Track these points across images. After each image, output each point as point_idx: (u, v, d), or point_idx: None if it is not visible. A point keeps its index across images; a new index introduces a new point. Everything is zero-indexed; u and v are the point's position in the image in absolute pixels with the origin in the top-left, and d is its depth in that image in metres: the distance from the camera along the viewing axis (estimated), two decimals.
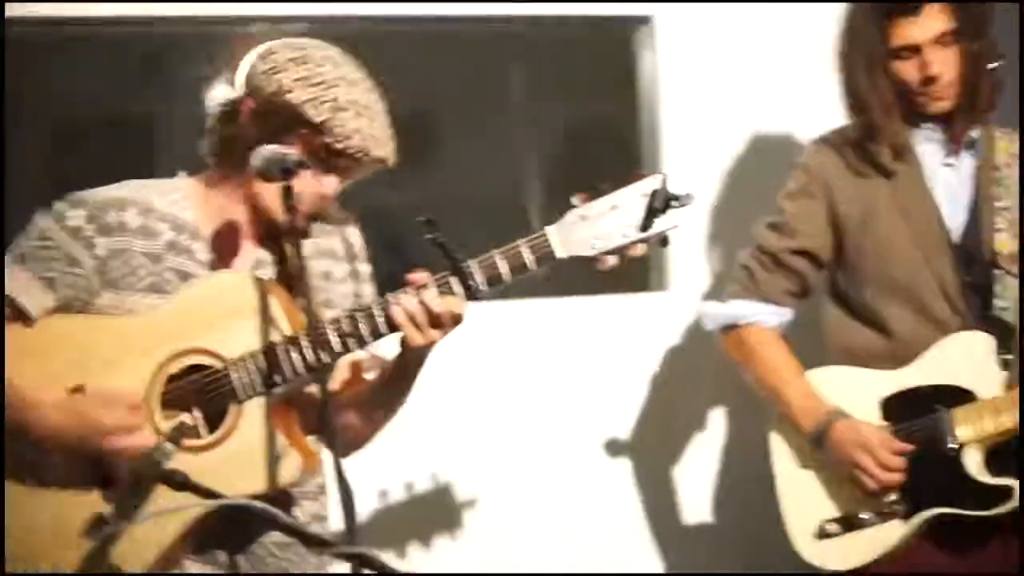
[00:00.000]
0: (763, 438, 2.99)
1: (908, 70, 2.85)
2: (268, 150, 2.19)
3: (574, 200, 2.17)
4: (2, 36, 2.97)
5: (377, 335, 2.24)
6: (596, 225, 2.15)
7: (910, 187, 2.90)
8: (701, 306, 3.10)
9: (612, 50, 3.70)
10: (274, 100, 2.25)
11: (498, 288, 2.21)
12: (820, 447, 2.86)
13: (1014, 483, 2.74)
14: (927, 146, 2.92)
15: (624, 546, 3.59)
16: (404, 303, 2.20)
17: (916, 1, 2.82)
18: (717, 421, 3.67)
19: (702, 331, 3.13)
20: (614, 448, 3.60)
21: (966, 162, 2.92)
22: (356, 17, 3.43)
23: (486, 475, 3.47)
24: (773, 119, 3.67)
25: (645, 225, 2.12)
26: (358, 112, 2.25)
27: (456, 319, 2.21)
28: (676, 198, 2.11)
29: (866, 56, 2.87)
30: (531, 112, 3.61)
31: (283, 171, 2.17)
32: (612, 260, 2.16)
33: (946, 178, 2.91)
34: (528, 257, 2.17)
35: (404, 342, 2.25)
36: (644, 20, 3.65)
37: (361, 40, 3.27)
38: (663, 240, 2.14)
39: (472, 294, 2.20)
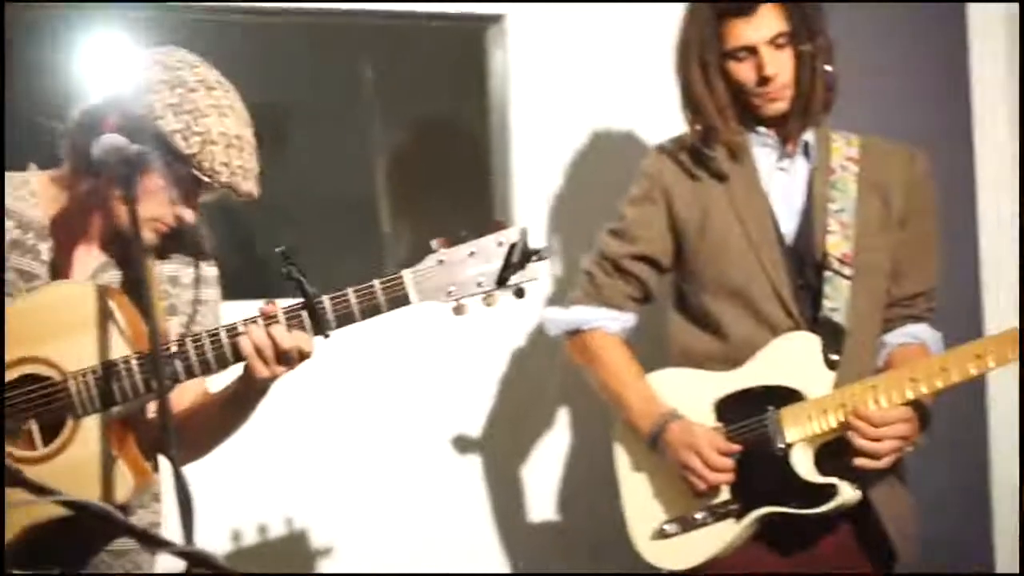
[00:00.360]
0: (608, 440, 3.02)
1: (744, 71, 2.89)
2: (108, 140, 2.13)
3: (433, 244, 2.17)
4: (2, 35, 2.86)
5: (223, 364, 2.21)
6: (453, 272, 2.15)
7: (745, 191, 2.95)
8: (544, 312, 3.12)
9: (464, 47, 3.68)
10: (142, 122, 2.19)
11: (348, 326, 2.20)
12: (656, 448, 2.90)
13: (840, 482, 2.80)
14: (761, 150, 2.97)
15: (472, 546, 3.60)
16: (253, 335, 2.18)
17: (751, 2, 2.85)
18: (564, 422, 3.70)
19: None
20: (462, 448, 3.61)
21: (800, 165, 2.97)
22: (201, 6, 3.36)
23: (335, 477, 3.46)
24: (622, 120, 3.69)
25: (502, 278, 2.13)
26: (228, 144, 2.21)
27: (303, 355, 2.20)
28: (535, 252, 2.12)
29: (701, 58, 2.90)
30: (382, 108, 3.57)
31: (124, 163, 2.12)
32: (466, 308, 2.16)
33: (780, 181, 2.96)
34: (381, 299, 2.17)
35: (248, 372, 2.23)
36: (496, 19, 3.64)
37: (210, 30, 3.25)
38: (518, 292, 2.15)
39: (322, 331, 2.19)
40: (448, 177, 3.64)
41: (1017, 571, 3.16)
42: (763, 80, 2.88)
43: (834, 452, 2.85)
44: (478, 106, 3.68)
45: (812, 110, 2.93)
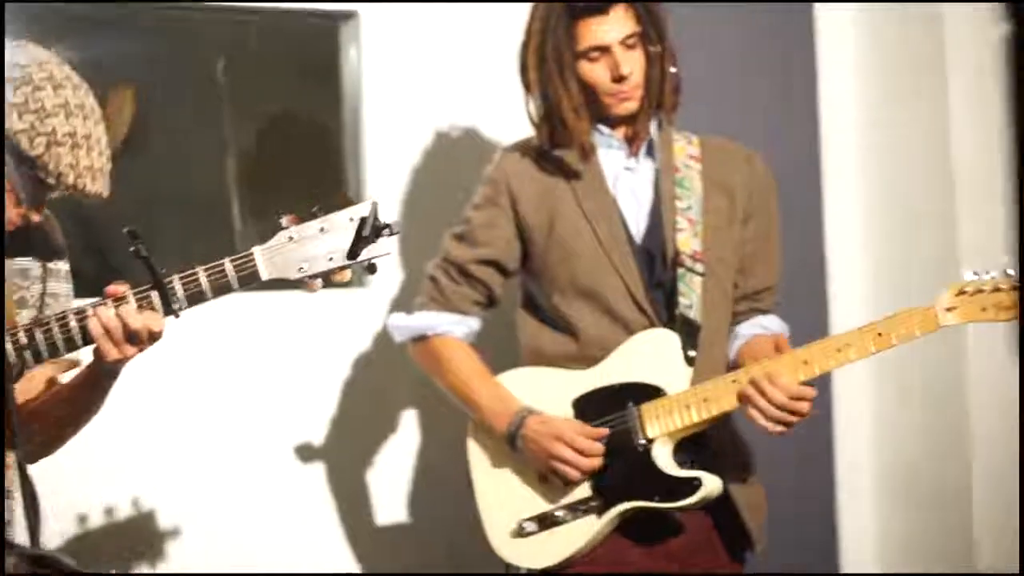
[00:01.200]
0: (461, 440, 3.04)
1: (597, 71, 2.93)
2: None
3: (283, 221, 2.16)
4: (2, 34, 2.77)
5: (71, 346, 2.18)
6: (304, 248, 2.15)
7: (593, 192, 2.98)
8: (389, 319, 3.12)
9: (317, 44, 3.67)
10: None
11: (199, 304, 2.18)
12: (515, 447, 2.91)
13: (702, 474, 2.84)
14: (607, 151, 3.01)
15: (323, 548, 3.58)
16: (101, 315, 2.16)
17: (604, 2, 2.89)
18: (415, 421, 3.70)
19: None
20: (311, 447, 3.59)
21: (645, 165, 3.02)
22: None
23: (182, 476, 3.41)
24: (473, 118, 3.72)
25: (353, 252, 2.13)
26: (75, 144, 2.16)
27: (154, 336, 2.18)
28: (386, 226, 2.12)
29: (556, 57, 2.92)
30: (234, 105, 3.54)
31: None
32: (318, 284, 2.16)
33: (627, 182, 3.00)
34: (232, 276, 2.16)
35: (98, 354, 2.20)
36: (349, 16, 3.64)
37: (60, 23, 3.21)
38: (370, 267, 2.16)
39: (172, 311, 2.17)
40: (300, 173, 3.62)
41: (1017, 571, 3.20)
42: (618, 79, 2.91)
43: (693, 446, 2.90)
44: (331, 103, 3.67)
45: (664, 109, 2.99)
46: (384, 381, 3.62)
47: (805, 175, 4.05)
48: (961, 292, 2.71)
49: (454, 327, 3.03)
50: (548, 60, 2.93)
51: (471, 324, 3.05)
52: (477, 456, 3.01)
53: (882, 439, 4.04)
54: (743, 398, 2.79)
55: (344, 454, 3.62)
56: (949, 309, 2.72)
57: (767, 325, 3.07)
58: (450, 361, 3.02)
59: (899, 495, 4.02)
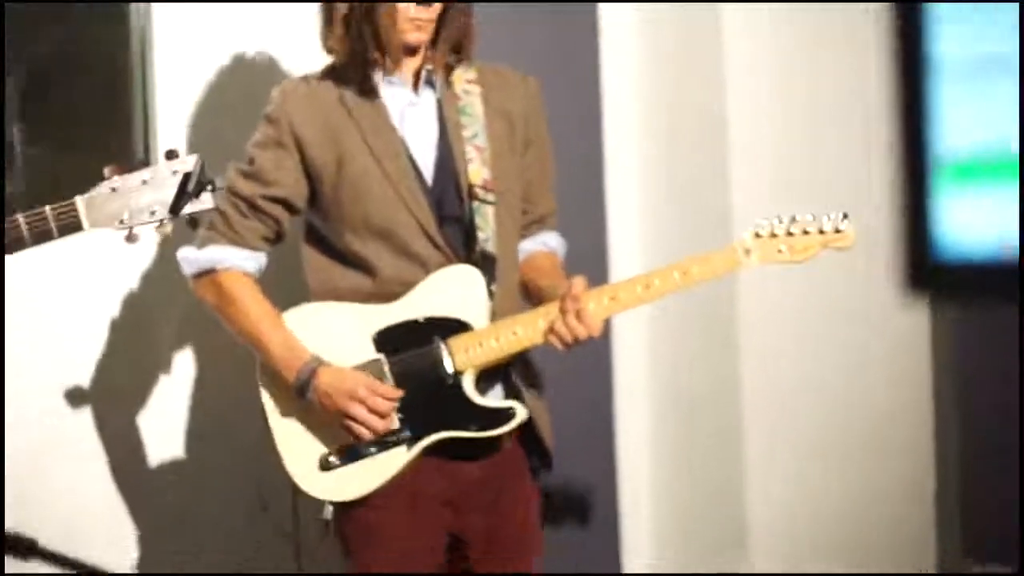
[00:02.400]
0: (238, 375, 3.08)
1: None
2: None
3: (106, 171, 2.19)
4: (2, 35, 2.60)
5: None
6: (126, 199, 2.18)
7: (378, 129, 3.00)
8: (180, 251, 3.01)
9: None
10: None
11: (18, 252, 2.20)
12: (304, 397, 2.93)
13: (515, 404, 2.96)
14: (388, 88, 3.03)
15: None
16: None
17: None
18: (191, 358, 3.69)
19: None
20: (100, 385, 3.57)
21: (427, 98, 3.05)
22: None
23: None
24: (267, 50, 3.70)
25: (176, 206, 2.17)
26: None
27: None
28: (210, 182, 2.17)
29: None
30: (16, 40, 3.46)
31: None
32: (139, 236, 2.20)
33: (413, 118, 3.03)
34: (52, 225, 2.18)
35: None
36: None
37: None
38: (192, 222, 2.20)
39: None
40: (86, 105, 3.57)
41: (1017, 571, 3.39)
42: (424, 2, 2.94)
43: (494, 373, 3.01)
44: (119, 33, 3.61)
45: (464, 54, 3.03)
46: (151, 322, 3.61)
47: (585, 100, 4.17)
48: (757, 235, 2.91)
49: (245, 262, 2.99)
50: None
51: (260, 260, 3.02)
52: (270, 396, 3.00)
53: (656, 365, 4.23)
54: (551, 331, 2.91)
55: (118, 397, 3.60)
56: (747, 251, 2.90)
57: (546, 241, 3.17)
58: (239, 300, 2.98)
59: (672, 410, 4.22)
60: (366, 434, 2.91)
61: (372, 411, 2.90)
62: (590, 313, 2.88)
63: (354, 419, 2.90)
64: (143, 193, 2.17)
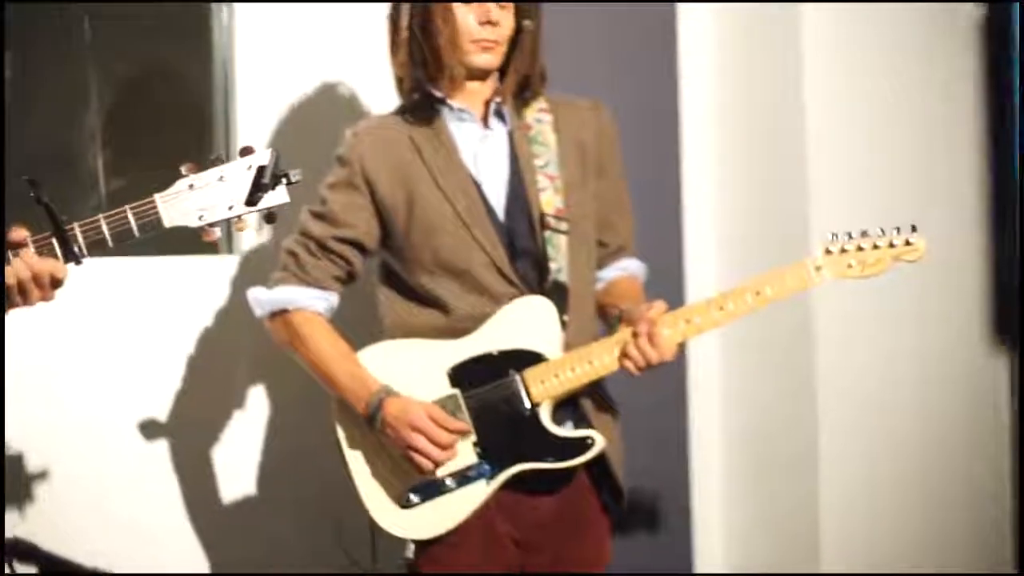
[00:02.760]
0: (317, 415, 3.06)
1: (467, 14, 2.96)
2: None
3: (183, 169, 2.21)
4: (2, 35, 2.71)
5: None
6: (203, 196, 2.20)
7: (448, 168, 3.00)
8: (250, 292, 3.07)
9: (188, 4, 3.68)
10: None
11: (100, 253, 2.22)
12: (374, 428, 2.93)
13: (593, 432, 2.94)
14: (459, 125, 3.03)
15: (193, 540, 3.60)
16: (15, 265, 2.18)
17: None
18: (280, 389, 3.72)
19: None
20: (176, 416, 3.60)
21: (498, 130, 3.06)
22: None
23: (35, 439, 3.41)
24: (345, 83, 3.74)
25: (251, 200, 2.19)
26: None
27: (56, 282, 2.21)
28: (285, 175, 2.18)
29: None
30: (101, 58, 3.53)
31: None
32: (217, 232, 2.21)
33: (484, 152, 3.03)
34: (133, 224, 2.20)
35: None
36: None
37: None
38: (269, 216, 2.21)
39: (74, 258, 2.20)
40: (168, 132, 3.63)
41: (1017, 571, 3.37)
42: (486, 22, 2.95)
43: (568, 404, 2.99)
44: (201, 62, 3.68)
45: (529, 84, 3.04)
46: (255, 347, 3.61)
47: (663, 124, 4.18)
48: (827, 251, 2.88)
49: (315, 302, 3.01)
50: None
51: (331, 299, 3.04)
52: (345, 431, 3.00)
53: (730, 390, 4.19)
54: (625, 355, 2.89)
55: (196, 423, 3.63)
56: (818, 268, 2.88)
57: (626, 266, 3.17)
58: (310, 337, 2.99)
59: (747, 439, 4.18)
60: (427, 465, 2.89)
61: (434, 442, 2.89)
62: (664, 337, 2.87)
63: (416, 450, 2.89)
64: (220, 189, 2.19)
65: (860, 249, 2.87)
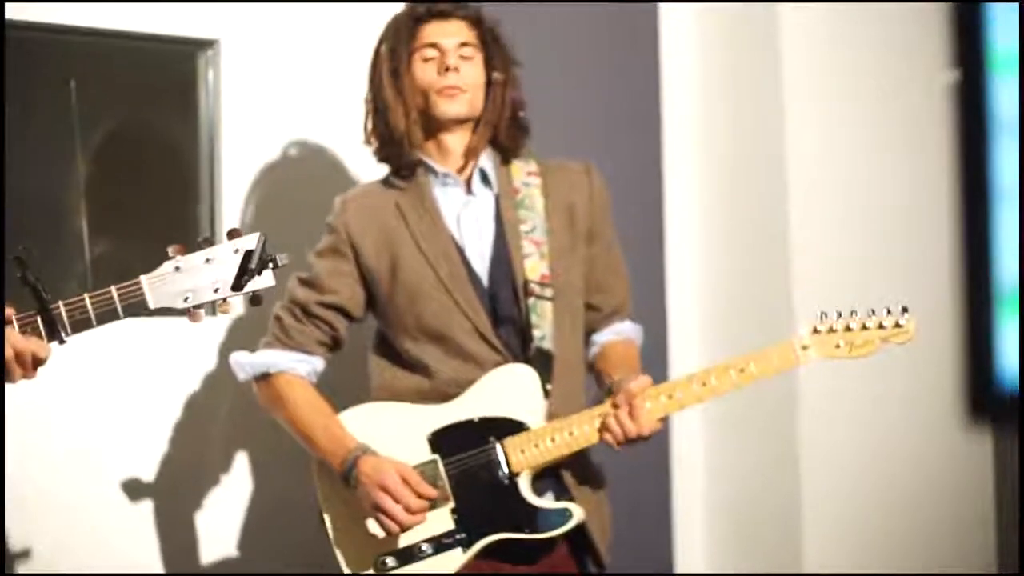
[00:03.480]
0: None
1: (428, 69, 3.00)
2: None
3: (170, 251, 2.21)
4: (2, 37, 2.71)
5: None
6: (190, 278, 2.20)
7: (431, 233, 3.01)
8: (232, 357, 3.08)
9: (175, 68, 3.69)
10: None
11: (84, 331, 2.22)
12: (350, 485, 2.91)
13: (571, 505, 2.93)
14: (443, 190, 3.05)
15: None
16: None
17: (448, 9, 3.01)
18: (263, 450, 3.70)
19: None
20: (167, 468, 3.59)
21: (483, 194, 3.06)
22: None
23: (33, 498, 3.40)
24: (330, 148, 3.77)
25: (238, 284, 2.19)
26: None
27: (38, 360, 2.21)
28: (272, 259, 2.19)
29: (393, 57, 3.00)
30: (85, 124, 3.53)
31: None
32: (202, 314, 2.22)
33: (468, 217, 3.04)
34: (119, 305, 2.20)
35: None
36: (209, 43, 3.68)
37: None
38: (255, 299, 2.22)
39: (58, 337, 2.20)
40: (153, 195, 3.64)
41: (1017, 571, 3.38)
42: (445, 69, 2.97)
43: (550, 474, 2.98)
44: (188, 126, 3.68)
45: (503, 145, 3.05)
46: (239, 409, 3.62)
47: (647, 183, 4.20)
48: (815, 330, 2.86)
49: (297, 364, 3.02)
50: (386, 61, 3.00)
51: (314, 363, 3.04)
52: (324, 493, 3.00)
53: (713, 463, 4.19)
54: (605, 428, 2.87)
55: (183, 478, 3.62)
56: (804, 347, 2.86)
57: (621, 330, 3.15)
58: (289, 398, 3.00)
59: (730, 511, 4.18)
60: (392, 528, 2.87)
61: (402, 505, 2.86)
62: (644, 411, 2.85)
63: (383, 511, 2.87)
64: (206, 271, 2.19)
65: (848, 330, 2.84)
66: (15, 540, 3.36)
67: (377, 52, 3.05)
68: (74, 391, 3.46)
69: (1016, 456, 3.88)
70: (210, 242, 2.21)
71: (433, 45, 2.99)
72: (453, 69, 2.97)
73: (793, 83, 3.98)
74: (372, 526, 2.91)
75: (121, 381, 3.54)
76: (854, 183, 3.99)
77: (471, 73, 3.00)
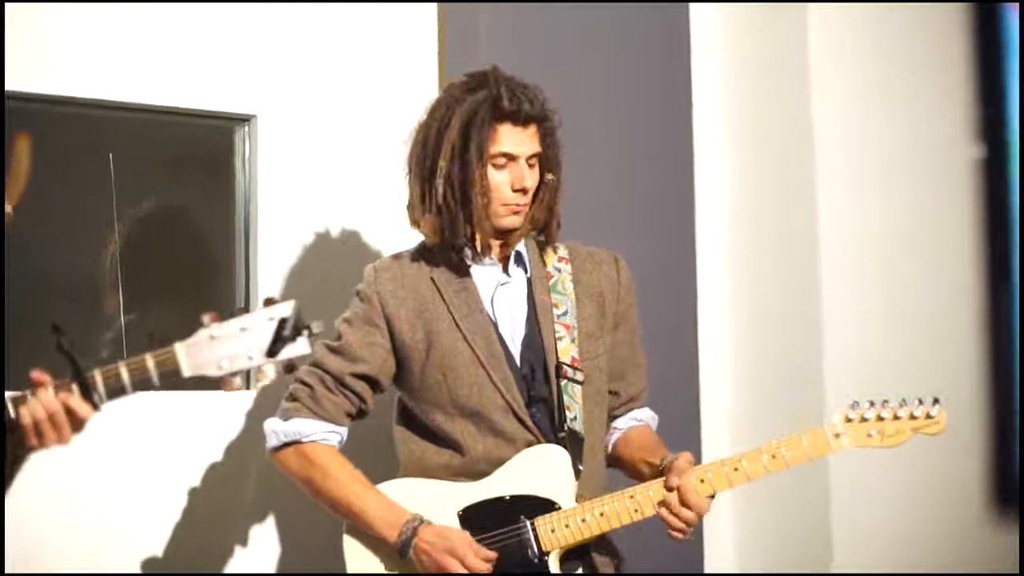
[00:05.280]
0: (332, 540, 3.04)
1: (499, 177, 2.99)
2: None
3: (204, 319, 2.22)
4: (2, 38, 2.75)
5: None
6: (224, 346, 2.20)
7: (470, 311, 3.02)
8: (267, 423, 3.06)
9: (212, 143, 3.73)
10: None
11: (119, 398, 2.23)
12: (405, 556, 2.92)
13: None
14: (479, 268, 3.06)
15: None
16: (32, 402, 2.19)
17: (529, 116, 2.98)
18: (287, 518, 3.69)
19: None
20: (180, 545, 3.58)
21: (517, 276, 3.09)
22: None
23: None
24: (362, 223, 3.80)
25: (272, 351, 2.19)
26: None
27: (77, 422, 2.22)
28: (307, 327, 2.19)
29: (479, 152, 2.95)
30: (126, 197, 3.57)
31: None
32: (237, 381, 2.22)
33: (504, 296, 3.06)
34: (153, 372, 2.20)
35: (18, 439, 2.23)
36: (246, 119, 3.73)
37: None
38: (289, 366, 2.22)
39: (93, 404, 2.21)
40: (190, 267, 3.66)
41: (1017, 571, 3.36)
42: (520, 190, 2.99)
43: (575, 551, 2.98)
44: (223, 201, 3.72)
45: (546, 236, 3.08)
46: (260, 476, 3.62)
47: (680, 272, 4.21)
48: (848, 419, 2.90)
49: (328, 435, 3.02)
50: (470, 152, 2.95)
51: (342, 434, 3.05)
52: (357, 566, 3.00)
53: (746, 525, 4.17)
54: (660, 517, 2.90)
55: (205, 548, 3.60)
56: (837, 435, 2.90)
57: (640, 417, 3.19)
58: (328, 469, 2.99)
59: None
60: None
61: (468, 568, 2.88)
62: (691, 496, 2.88)
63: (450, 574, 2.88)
64: (241, 339, 2.19)
65: (880, 419, 2.89)
66: None
67: (453, 138, 2.98)
68: (95, 461, 3.46)
69: None
70: (245, 310, 2.21)
71: (507, 155, 2.98)
72: (528, 190, 3.00)
73: (825, 168, 4.02)
74: None
75: (139, 452, 3.53)
76: (885, 263, 4.01)
77: (533, 182, 3.02)
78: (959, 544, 3.89)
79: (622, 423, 3.17)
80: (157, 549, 3.54)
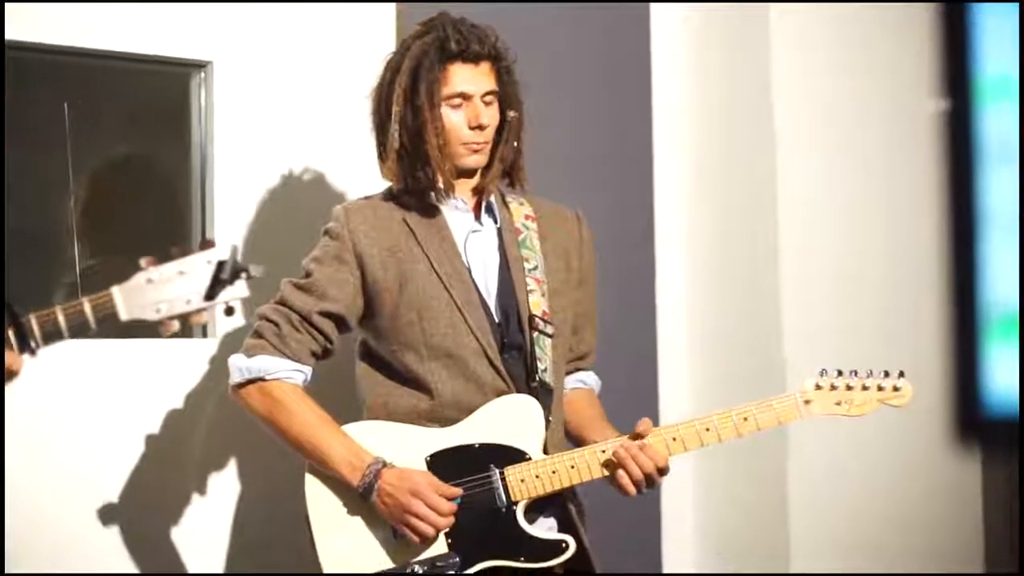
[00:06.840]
0: (293, 483, 3.03)
1: (455, 118, 2.99)
2: None
3: (142, 263, 2.20)
4: (2, 39, 2.72)
5: None
6: (162, 289, 2.18)
7: (444, 253, 3.02)
8: (232, 358, 3.03)
9: (167, 90, 3.71)
10: None
11: (55, 343, 2.21)
12: (368, 499, 2.90)
13: (567, 537, 2.94)
14: (453, 213, 3.06)
15: None
16: None
17: (478, 54, 2.98)
18: (251, 465, 3.68)
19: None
20: (139, 490, 3.57)
21: (488, 225, 3.09)
22: None
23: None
24: (323, 168, 3.77)
25: (210, 294, 2.18)
26: None
27: (10, 373, 2.20)
28: (245, 269, 2.18)
29: (429, 95, 2.95)
30: (78, 145, 3.53)
31: None
32: (175, 325, 2.20)
33: (475, 243, 3.06)
34: (90, 316, 2.19)
35: None
36: (202, 65, 3.69)
37: None
38: (228, 310, 2.20)
39: (28, 348, 2.19)
40: (144, 215, 3.65)
41: (1017, 571, 3.41)
42: (476, 127, 2.98)
43: (546, 505, 2.99)
44: (179, 147, 3.69)
45: (514, 177, 3.08)
46: (225, 425, 3.61)
47: (639, 235, 4.21)
48: (818, 386, 2.94)
49: (293, 373, 2.99)
50: (420, 95, 2.95)
51: (307, 373, 3.01)
52: (318, 510, 2.97)
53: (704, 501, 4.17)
54: (616, 462, 2.90)
55: (169, 495, 3.61)
56: (807, 402, 2.94)
57: (584, 380, 3.21)
58: (292, 408, 2.96)
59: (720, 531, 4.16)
60: (428, 532, 2.86)
61: (433, 509, 2.87)
62: (655, 447, 2.89)
63: (416, 515, 2.86)
64: (179, 283, 2.17)
65: (849, 388, 2.94)
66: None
67: (405, 83, 2.98)
68: (54, 407, 3.46)
69: (1005, 481, 3.86)
70: (183, 252, 2.19)
71: (461, 95, 2.98)
72: (485, 127, 2.99)
73: (784, 129, 4.01)
74: (368, 552, 2.91)
75: (95, 400, 3.53)
76: (844, 206, 4.03)
77: (492, 121, 3.02)
78: (924, 479, 3.94)
79: (568, 383, 3.16)
80: (112, 496, 3.54)
